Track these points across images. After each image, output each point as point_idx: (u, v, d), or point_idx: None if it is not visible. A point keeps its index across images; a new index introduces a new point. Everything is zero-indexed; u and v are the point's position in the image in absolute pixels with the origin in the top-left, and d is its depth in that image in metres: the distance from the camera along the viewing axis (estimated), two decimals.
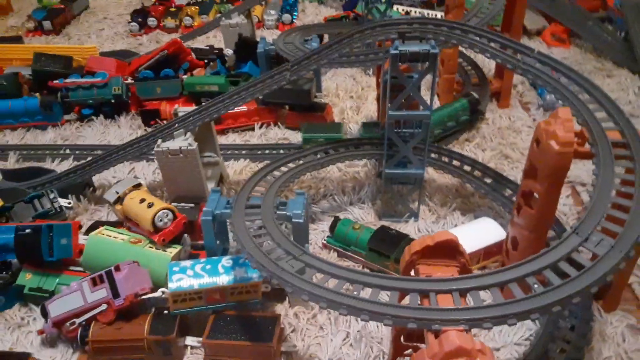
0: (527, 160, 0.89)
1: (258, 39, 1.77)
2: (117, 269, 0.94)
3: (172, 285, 0.92)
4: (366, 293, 0.71)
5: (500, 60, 1.00)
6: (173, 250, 1.03)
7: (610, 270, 0.67)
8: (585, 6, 2.13)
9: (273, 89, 1.16)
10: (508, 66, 0.99)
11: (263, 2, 2.32)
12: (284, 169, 1.17)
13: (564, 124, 0.81)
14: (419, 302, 0.69)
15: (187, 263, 0.95)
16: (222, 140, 1.58)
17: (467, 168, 1.22)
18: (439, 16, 1.97)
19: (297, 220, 0.97)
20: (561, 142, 0.80)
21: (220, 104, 1.19)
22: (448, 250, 0.73)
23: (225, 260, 0.96)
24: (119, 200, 1.10)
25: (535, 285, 0.68)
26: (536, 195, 0.88)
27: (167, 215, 1.03)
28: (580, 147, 0.84)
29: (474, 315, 0.64)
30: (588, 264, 0.68)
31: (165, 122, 1.59)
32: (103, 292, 0.94)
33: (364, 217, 1.26)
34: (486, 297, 0.69)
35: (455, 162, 1.23)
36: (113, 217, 1.26)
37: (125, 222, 1.11)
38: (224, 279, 0.93)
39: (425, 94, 1.10)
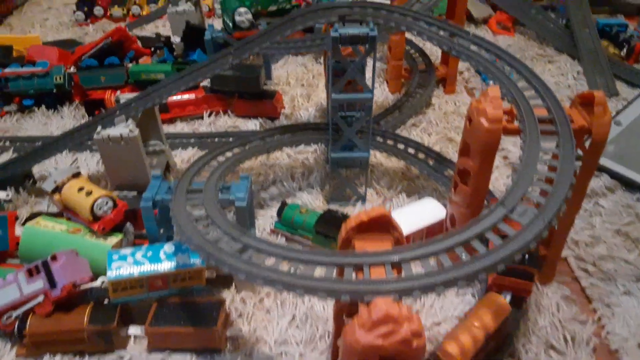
0: (462, 140, 0.91)
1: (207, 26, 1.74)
2: (54, 258, 0.91)
3: (112, 273, 0.90)
4: (303, 270, 0.72)
5: (436, 42, 1.02)
6: (114, 240, 1.01)
7: (533, 238, 0.69)
8: None
9: (217, 73, 1.15)
10: (444, 47, 1.02)
11: None
12: (228, 154, 1.16)
13: (493, 102, 0.83)
14: (355, 276, 0.70)
15: (127, 250, 0.94)
16: (170, 129, 1.56)
17: (411, 151, 1.24)
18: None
19: (240, 203, 0.96)
20: (490, 119, 0.83)
21: (163, 89, 1.17)
22: (382, 224, 0.74)
23: (167, 247, 0.95)
24: (58, 189, 1.07)
25: (463, 255, 0.70)
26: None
27: (106, 203, 1.01)
28: (510, 123, 0.87)
29: (404, 285, 0.66)
30: (513, 233, 0.71)
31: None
32: (40, 283, 0.91)
33: (312, 202, 1.27)
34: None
35: (399, 145, 1.25)
36: (55, 210, 1.22)
37: (65, 212, 1.08)
38: (165, 266, 0.92)
39: (376, 80, 1.11)
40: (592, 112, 0.84)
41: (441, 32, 1.04)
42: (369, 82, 1.07)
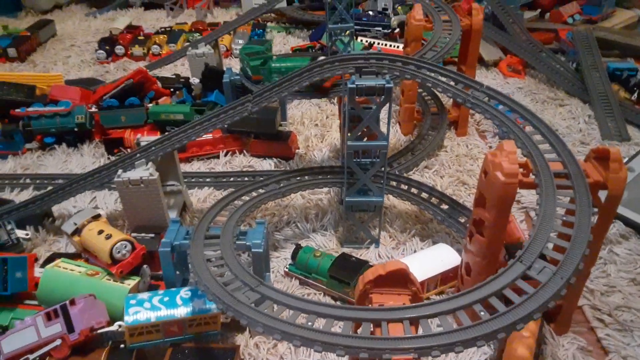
0: (477, 190, 0.93)
1: (225, 68, 1.79)
2: (72, 302, 0.93)
3: (129, 318, 0.91)
4: (320, 323, 0.72)
5: (451, 95, 1.05)
6: (131, 282, 1.02)
7: (551, 296, 0.70)
8: (539, 38, 2.24)
9: (235, 120, 1.18)
10: (458, 100, 1.04)
11: (231, 32, 2.36)
12: (245, 197, 1.18)
13: (508, 156, 0.85)
14: (372, 332, 0.70)
15: (145, 295, 0.95)
16: (186, 168, 1.59)
17: (424, 195, 1.25)
18: (400, 48, 2.04)
19: (256, 250, 0.98)
20: (506, 174, 0.84)
21: (183, 134, 1.21)
22: (400, 278, 0.75)
23: (184, 292, 0.96)
24: (77, 231, 1.09)
25: (482, 313, 0.70)
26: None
27: (125, 246, 1.03)
28: (525, 177, 0.88)
29: (423, 343, 0.66)
30: (531, 291, 0.71)
31: (129, 150, 1.59)
32: (57, 326, 0.92)
33: (326, 244, 1.28)
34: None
35: (413, 190, 1.27)
36: (72, 249, 1.24)
37: (84, 253, 1.10)
38: (182, 311, 0.93)
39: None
40: (608, 167, 0.85)
41: (455, 84, 1.07)
42: (384, 129, 1.10)
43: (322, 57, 1.18)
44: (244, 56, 1.60)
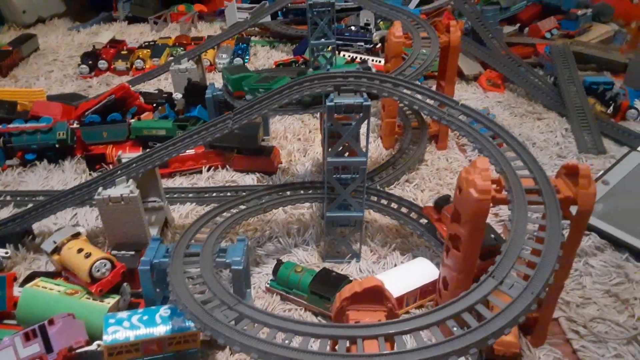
0: (453, 206, 0.95)
1: (208, 83, 1.81)
2: (51, 322, 0.92)
3: (108, 337, 0.91)
4: (297, 341, 0.73)
5: (427, 112, 1.07)
6: (111, 301, 1.02)
7: (521, 312, 0.72)
8: (518, 53, 2.29)
9: (216, 136, 1.19)
10: (434, 117, 1.06)
11: (215, 46, 2.37)
12: (226, 214, 1.19)
13: (481, 173, 0.87)
14: (348, 348, 0.71)
15: (124, 314, 0.95)
16: (168, 183, 1.59)
17: (404, 210, 1.27)
18: (382, 63, 2.07)
19: (236, 267, 0.98)
20: (479, 190, 0.86)
21: (164, 151, 1.21)
22: (375, 295, 0.77)
23: (163, 310, 0.96)
24: (57, 250, 1.09)
25: (455, 328, 0.72)
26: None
27: (104, 265, 1.03)
28: (499, 193, 0.90)
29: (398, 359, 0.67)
30: (503, 305, 0.73)
31: (111, 166, 1.59)
32: (36, 347, 0.92)
33: (307, 259, 1.28)
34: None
35: (393, 205, 1.28)
36: (52, 267, 1.23)
37: (64, 272, 1.10)
38: (161, 329, 0.93)
39: (370, 136, 1.16)
40: (577, 183, 0.87)
41: (431, 101, 1.09)
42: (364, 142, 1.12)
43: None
44: (224, 72, 1.62)
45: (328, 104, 1.05)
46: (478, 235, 0.91)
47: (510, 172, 0.93)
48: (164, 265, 0.98)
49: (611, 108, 1.92)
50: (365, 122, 1.08)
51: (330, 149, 1.13)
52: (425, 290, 1.13)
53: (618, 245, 1.30)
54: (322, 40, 1.86)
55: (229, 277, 1.16)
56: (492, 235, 1.12)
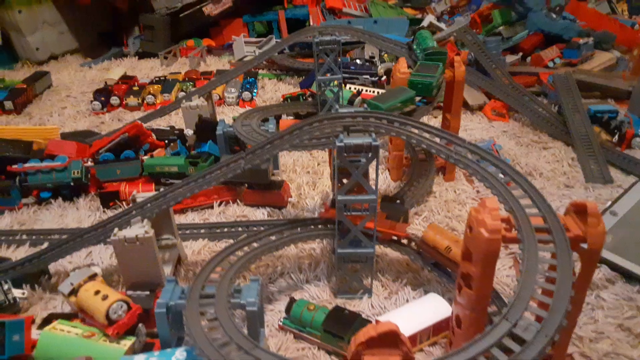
0: (463, 244, 0.96)
1: (218, 117, 1.85)
2: None
3: None
4: None
5: (435, 151, 1.09)
6: (127, 342, 1.03)
7: (537, 354, 0.72)
8: (522, 82, 2.33)
9: (229, 177, 1.22)
10: (442, 156, 1.09)
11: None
12: (239, 253, 1.20)
13: (491, 213, 0.88)
14: None
15: (141, 357, 0.96)
16: (181, 219, 1.61)
17: (414, 246, 1.28)
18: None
19: (250, 308, 1.00)
20: (489, 230, 0.87)
21: (179, 191, 1.24)
22: (390, 339, 0.78)
23: (179, 352, 0.97)
24: (74, 291, 1.11)
25: None
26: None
27: (121, 307, 1.04)
28: (508, 232, 0.92)
29: None
30: (517, 349, 0.74)
31: (124, 203, 1.62)
32: None
33: (319, 295, 1.29)
34: None
35: (403, 240, 1.30)
36: (68, 307, 1.25)
37: (80, 313, 1.11)
38: None
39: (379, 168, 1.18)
40: (586, 221, 0.89)
41: (438, 139, 1.12)
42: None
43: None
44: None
45: (338, 144, 1.08)
46: (490, 273, 0.92)
47: (519, 210, 0.94)
48: (180, 307, 1.00)
49: (616, 136, 1.94)
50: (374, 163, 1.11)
51: (340, 185, 1.15)
52: (438, 327, 1.14)
53: (629, 277, 1.30)
54: (329, 75, 1.90)
55: (242, 315, 1.17)
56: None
